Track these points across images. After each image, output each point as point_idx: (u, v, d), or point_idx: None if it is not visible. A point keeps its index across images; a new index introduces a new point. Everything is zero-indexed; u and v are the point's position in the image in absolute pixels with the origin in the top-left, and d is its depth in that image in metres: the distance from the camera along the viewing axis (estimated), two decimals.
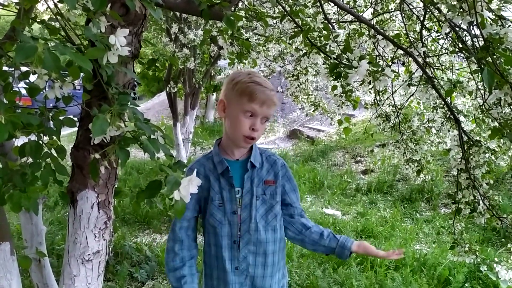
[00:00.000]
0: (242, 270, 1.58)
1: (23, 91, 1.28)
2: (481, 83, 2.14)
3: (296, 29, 2.14)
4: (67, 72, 1.17)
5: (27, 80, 1.24)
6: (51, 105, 1.35)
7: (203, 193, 1.58)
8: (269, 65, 5.13)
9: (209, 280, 1.63)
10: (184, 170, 1.24)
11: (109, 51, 1.11)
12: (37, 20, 1.40)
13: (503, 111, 1.80)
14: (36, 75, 1.20)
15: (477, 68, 1.56)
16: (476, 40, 1.63)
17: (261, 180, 1.60)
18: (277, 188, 1.62)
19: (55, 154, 1.26)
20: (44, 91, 1.21)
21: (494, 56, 1.43)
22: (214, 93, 12.38)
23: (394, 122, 3.38)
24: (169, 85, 6.14)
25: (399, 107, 3.40)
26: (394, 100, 3.41)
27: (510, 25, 1.52)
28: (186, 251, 1.59)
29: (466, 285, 3.55)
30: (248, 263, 1.58)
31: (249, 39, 3.75)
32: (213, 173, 1.58)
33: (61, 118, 1.30)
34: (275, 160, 1.65)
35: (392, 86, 3.26)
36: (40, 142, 1.20)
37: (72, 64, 1.15)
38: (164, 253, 1.66)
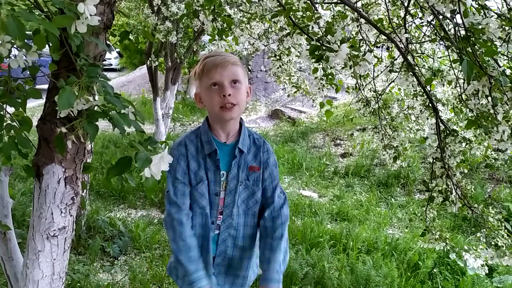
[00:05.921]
0: (220, 251, 1.59)
1: None
2: (461, 73, 2.14)
3: (279, 8, 2.09)
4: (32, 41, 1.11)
5: None
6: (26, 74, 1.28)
7: (191, 172, 1.54)
8: (253, 44, 5.04)
9: None
10: (155, 146, 1.21)
11: (78, 19, 1.05)
12: None
13: (480, 103, 1.80)
14: None
15: (458, 58, 1.54)
16: (458, 30, 1.61)
17: (246, 165, 1.58)
18: (261, 175, 1.60)
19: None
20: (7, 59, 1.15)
21: (475, 47, 1.42)
22: None
23: (374, 107, 3.38)
24: (149, 59, 5.99)
25: (379, 92, 3.39)
26: (375, 85, 3.40)
27: (492, 15, 1.51)
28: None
29: (435, 270, 3.63)
30: (226, 245, 1.60)
31: (233, 16, 3.67)
32: (201, 152, 1.55)
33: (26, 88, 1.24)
34: (262, 144, 1.62)
35: (374, 71, 3.24)
36: (1, 113, 1.15)
37: (38, 32, 1.09)
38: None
